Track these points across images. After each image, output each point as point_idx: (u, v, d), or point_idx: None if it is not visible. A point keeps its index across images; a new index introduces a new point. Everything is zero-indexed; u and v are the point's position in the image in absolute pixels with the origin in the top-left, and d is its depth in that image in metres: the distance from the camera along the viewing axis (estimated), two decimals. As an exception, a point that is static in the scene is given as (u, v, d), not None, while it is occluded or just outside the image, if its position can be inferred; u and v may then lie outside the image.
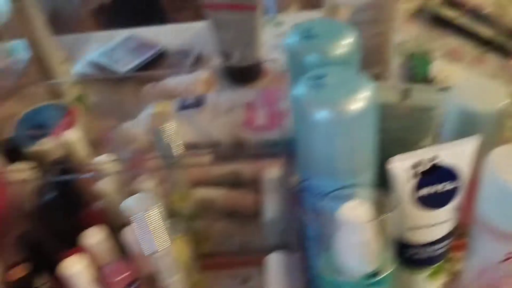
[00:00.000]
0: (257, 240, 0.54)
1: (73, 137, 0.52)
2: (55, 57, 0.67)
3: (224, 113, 0.58)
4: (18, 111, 0.61)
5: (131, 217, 0.36)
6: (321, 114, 0.32)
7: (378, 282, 0.35)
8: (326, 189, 0.35)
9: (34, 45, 0.64)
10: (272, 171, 0.56)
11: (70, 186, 0.43)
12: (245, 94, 0.63)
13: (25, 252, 0.42)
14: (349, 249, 0.34)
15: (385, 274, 0.35)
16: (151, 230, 0.37)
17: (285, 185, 0.48)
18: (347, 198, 0.33)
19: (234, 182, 0.57)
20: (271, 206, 0.53)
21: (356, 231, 0.33)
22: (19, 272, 0.40)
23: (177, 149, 0.46)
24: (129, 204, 0.37)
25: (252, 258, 0.53)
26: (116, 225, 0.44)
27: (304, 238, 0.44)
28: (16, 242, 0.42)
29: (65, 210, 0.42)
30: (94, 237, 0.42)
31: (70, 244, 0.43)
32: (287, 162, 0.46)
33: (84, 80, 0.70)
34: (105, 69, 0.74)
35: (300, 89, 0.34)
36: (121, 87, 0.71)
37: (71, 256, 0.39)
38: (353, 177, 0.36)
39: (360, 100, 0.32)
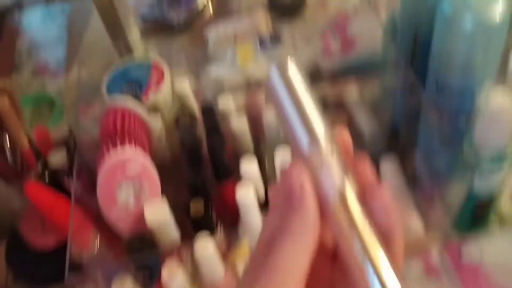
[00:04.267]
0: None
1: (181, 88, 0.55)
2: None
3: (304, 45, 0.63)
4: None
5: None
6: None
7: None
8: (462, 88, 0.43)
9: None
10: (353, 92, 0.62)
11: (218, 128, 0.48)
12: (316, 25, 0.67)
13: (193, 191, 0.47)
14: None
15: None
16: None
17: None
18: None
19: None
20: (366, 122, 0.60)
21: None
22: (198, 208, 0.45)
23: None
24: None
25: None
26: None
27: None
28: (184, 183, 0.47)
29: (221, 148, 0.47)
30: (251, 165, 0.47)
31: (223, 176, 0.49)
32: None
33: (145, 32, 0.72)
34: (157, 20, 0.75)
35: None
36: (177, 36, 0.73)
37: (240, 185, 0.45)
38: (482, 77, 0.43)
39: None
